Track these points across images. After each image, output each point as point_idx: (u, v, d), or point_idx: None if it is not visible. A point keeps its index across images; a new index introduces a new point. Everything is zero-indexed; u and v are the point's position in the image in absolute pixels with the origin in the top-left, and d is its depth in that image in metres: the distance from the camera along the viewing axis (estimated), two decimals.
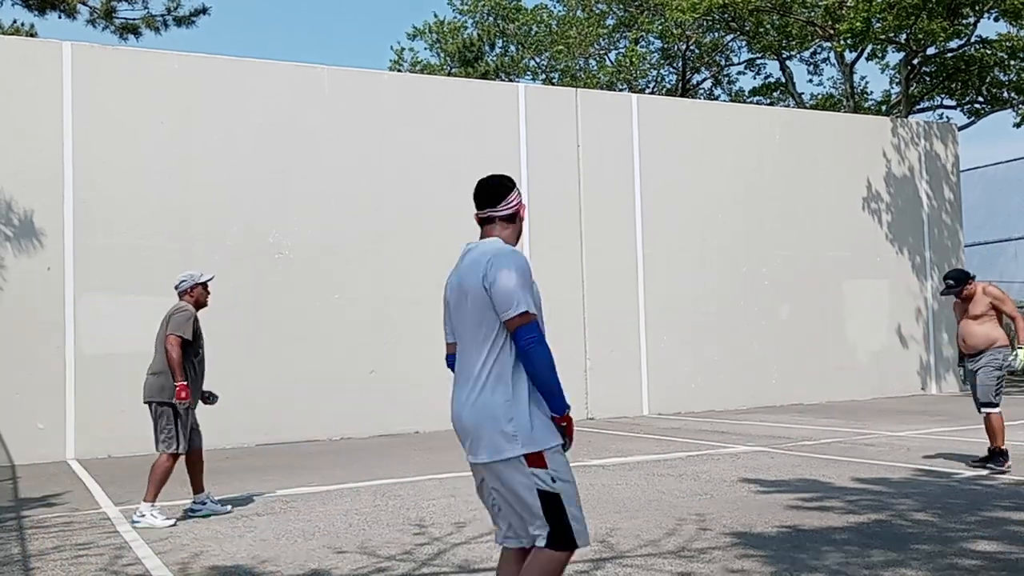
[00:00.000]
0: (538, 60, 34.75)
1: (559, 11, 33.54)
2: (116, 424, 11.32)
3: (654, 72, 33.54)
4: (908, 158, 18.55)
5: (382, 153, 13.80)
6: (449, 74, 32.44)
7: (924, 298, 18.36)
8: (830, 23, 23.83)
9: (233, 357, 12.34)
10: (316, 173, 13.33)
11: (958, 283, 8.59)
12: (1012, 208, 32.76)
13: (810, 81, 76.58)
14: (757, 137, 16.90)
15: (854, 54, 26.13)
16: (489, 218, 3.61)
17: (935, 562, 5.24)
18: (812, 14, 24.96)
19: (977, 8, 22.04)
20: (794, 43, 28.03)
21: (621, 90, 31.24)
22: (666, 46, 32.36)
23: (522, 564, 3.50)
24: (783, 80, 31.02)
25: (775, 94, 32.22)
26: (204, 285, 7.51)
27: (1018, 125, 26.23)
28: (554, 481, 3.42)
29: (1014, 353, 8.29)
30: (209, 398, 7.54)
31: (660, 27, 30.39)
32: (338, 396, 13.03)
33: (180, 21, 18.43)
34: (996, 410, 8.34)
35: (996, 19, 22.44)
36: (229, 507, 7.48)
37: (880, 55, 26.68)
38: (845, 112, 26.32)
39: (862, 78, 68.32)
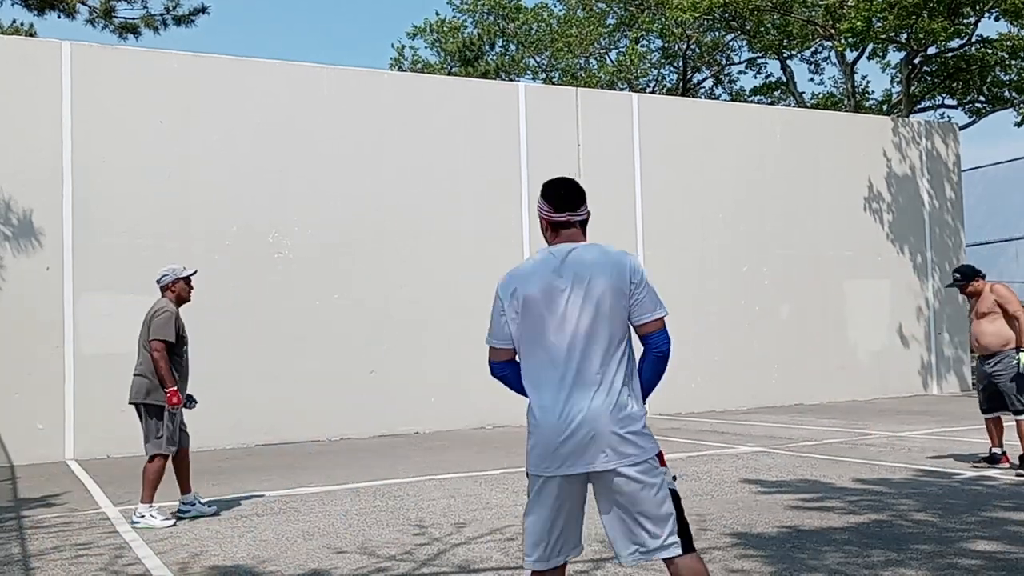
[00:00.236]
0: (538, 59, 34.75)
1: (559, 10, 33.54)
2: (115, 424, 11.30)
3: (655, 71, 33.56)
4: (909, 157, 18.53)
5: (382, 153, 13.79)
6: (449, 73, 32.43)
7: (925, 298, 18.34)
8: (831, 22, 23.82)
9: (233, 357, 12.33)
10: (316, 173, 13.32)
11: (964, 278, 8.57)
12: (1013, 208, 32.74)
13: (811, 80, 76.58)
14: (758, 137, 16.88)
15: (855, 53, 26.13)
16: (569, 222, 3.50)
17: (935, 562, 5.23)
18: (813, 13, 24.95)
19: (978, 8, 22.02)
20: (795, 42, 28.03)
21: (621, 89, 31.23)
22: (667, 45, 32.36)
23: None
24: (784, 79, 31.02)
25: (776, 93, 32.22)
26: (187, 280, 7.36)
27: (1019, 124, 26.22)
28: (673, 479, 3.39)
29: (1016, 357, 8.21)
30: (188, 403, 7.29)
31: (660, 26, 30.38)
32: (338, 396, 13.02)
33: (179, 21, 18.44)
34: None
35: (997, 19, 22.43)
36: (215, 508, 7.43)
37: (881, 54, 26.67)
38: (846, 111, 26.30)
39: (863, 77, 68.26)
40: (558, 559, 3.39)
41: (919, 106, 28.09)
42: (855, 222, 17.66)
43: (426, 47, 36.39)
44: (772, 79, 32.53)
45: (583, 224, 3.52)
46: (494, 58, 34.25)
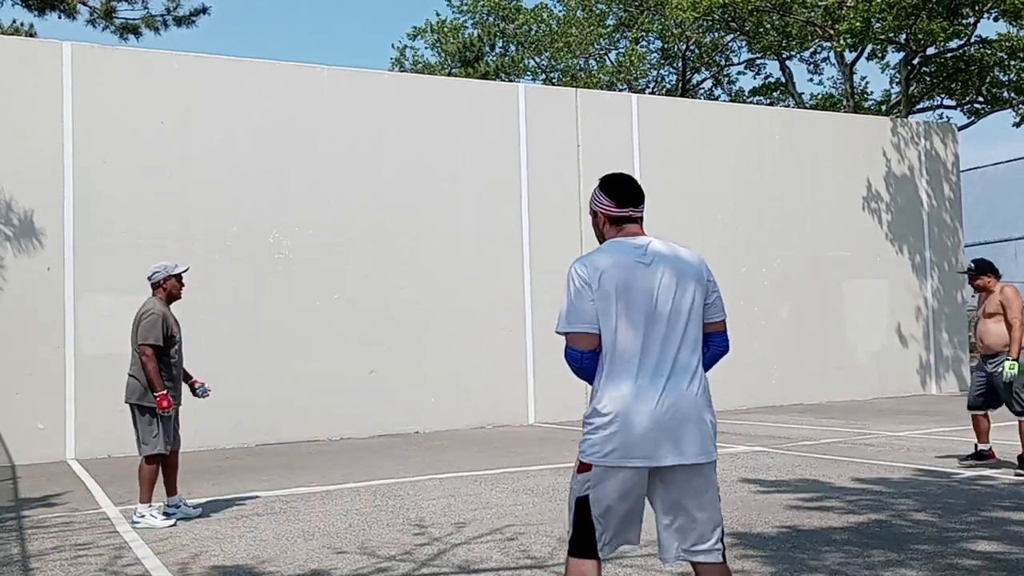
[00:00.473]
0: (538, 60, 34.77)
1: (559, 11, 33.55)
2: (116, 424, 11.28)
3: (654, 72, 33.58)
4: (908, 158, 18.55)
5: (382, 153, 13.80)
6: (449, 74, 32.44)
7: (924, 298, 18.36)
8: (830, 23, 23.85)
9: (233, 357, 12.34)
10: (316, 173, 13.33)
11: (977, 269, 8.52)
12: (1012, 208, 32.77)
13: (810, 81, 76.72)
14: (757, 137, 16.90)
15: (854, 54, 26.16)
16: (631, 217, 3.47)
17: (935, 562, 5.24)
18: (812, 14, 24.97)
19: (977, 8, 22.05)
20: (794, 43, 28.05)
21: (621, 90, 31.25)
22: (666, 46, 32.38)
23: None
24: (783, 80, 31.04)
25: (775, 94, 32.25)
26: (178, 277, 7.30)
27: (1018, 125, 26.25)
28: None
29: (1003, 365, 8.18)
30: (201, 393, 7.36)
31: (660, 27, 30.41)
32: (338, 396, 13.03)
33: (180, 21, 18.45)
34: None
35: (996, 19, 22.46)
36: (200, 510, 7.40)
37: (880, 55, 26.71)
38: (845, 112, 26.32)
39: (862, 78, 68.34)
40: (607, 550, 3.35)
41: (918, 106, 28.11)
42: (854, 222, 17.68)
43: (427, 47, 36.42)
44: (771, 80, 32.57)
45: (642, 220, 3.50)
46: (494, 59, 34.26)
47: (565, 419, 14.31)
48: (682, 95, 30.92)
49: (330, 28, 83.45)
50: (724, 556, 3.33)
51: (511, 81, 31.37)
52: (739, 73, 33.94)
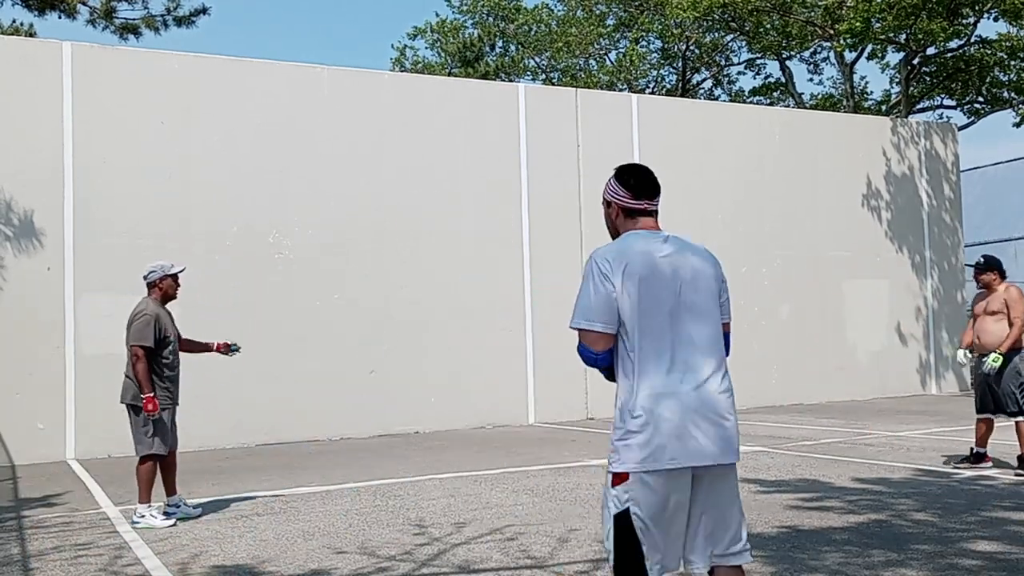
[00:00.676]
0: (538, 60, 34.76)
1: (560, 11, 33.54)
2: (116, 424, 11.24)
3: (654, 72, 33.57)
4: (908, 158, 18.55)
5: (382, 153, 13.80)
6: (449, 74, 32.45)
7: (924, 297, 18.35)
8: (830, 23, 23.84)
9: (233, 357, 12.31)
10: (316, 173, 13.33)
11: (985, 264, 8.45)
12: (1012, 208, 32.76)
13: (810, 81, 76.70)
14: (757, 137, 16.90)
15: (854, 54, 26.15)
16: (647, 210, 3.32)
17: (935, 562, 5.24)
18: (812, 14, 24.97)
19: (977, 8, 22.04)
20: (794, 43, 28.03)
21: (621, 90, 31.25)
22: (666, 46, 32.38)
23: None
24: (783, 80, 31.02)
25: (775, 94, 32.23)
26: (174, 277, 7.28)
27: (1018, 125, 26.23)
28: None
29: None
30: (231, 350, 7.61)
31: (660, 27, 30.40)
32: (338, 396, 13.03)
33: (180, 21, 18.45)
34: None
35: (996, 19, 22.44)
36: (200, 510, 7.41)
37: (880, 55, 26.69)
38: (845, 112, 26.32)
39: (862, 78, 68.32)
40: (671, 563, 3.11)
41: (918, 106, 28.10)
42: (854, 222, 17.67)
43: (427, 47, 36.42)
44: (771, 80, 32.55)
45: (657, 214, 3.36)
46: (494, 59, 34.27)
47: (565, 419, 14.32)
48: (682, 95, 30.91)
49: (330, 28, 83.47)
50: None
51: (511, 81, 31.38)
52: (739, 73, 33.94)
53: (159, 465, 7.17)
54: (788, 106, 29.48)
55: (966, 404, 14.62)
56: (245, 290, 12.68)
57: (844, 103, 28.66)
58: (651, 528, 3.00)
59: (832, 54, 28.34)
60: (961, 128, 25.15)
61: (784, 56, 29.72)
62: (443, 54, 34.47)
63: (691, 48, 31.73)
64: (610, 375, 3.22)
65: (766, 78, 32.79)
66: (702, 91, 34.04)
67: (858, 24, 20.45)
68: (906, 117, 23.88)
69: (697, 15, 24.14)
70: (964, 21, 22.74)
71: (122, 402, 7.10)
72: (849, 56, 26.51)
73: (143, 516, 6.93)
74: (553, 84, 33.01)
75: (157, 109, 12.48)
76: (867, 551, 5.54)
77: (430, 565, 5.53)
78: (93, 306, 11.80)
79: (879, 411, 14.73)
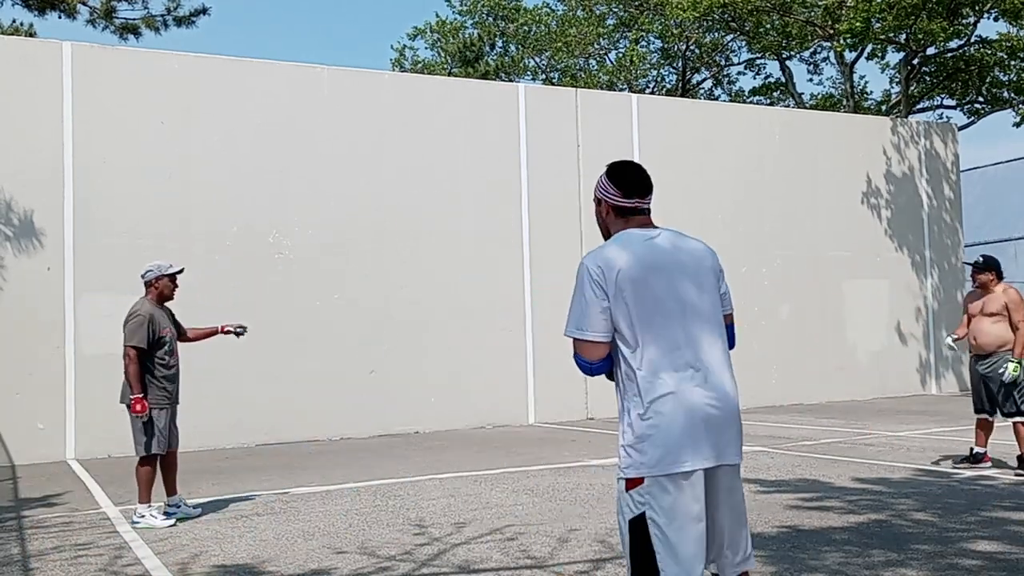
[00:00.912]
0: (538, 60, 34.76)
1: (561, 11, 33.53)
2: (116, 424, 11.25)
3: (654, 72, 33.56)
4: (908, 158, 18.54)
5: (382, 153, 13.80)
6: (449, 74, 32.45)
7: (924, 297, 18.36)
8: (830, 23, 23.84)
9: (233, 357, 12.33)
10: (316, 173, 13.33)
11: (984, 264, 8.41)
12: (1012, 208, 32.75)
13: (810, 81, 76.71)
14: (757, 137, 16.90)
15: (854, 54, 26.15)
16: (638, 208, 3.21)
17: (935, 562, 5.24)
18: (812, 14, 24.97)
19: (977, 8, 22.04)
20: (794, 43, 28.03)
21: (621, 90, 31.25)
22: (666, 46, 32.37)
23: None
24: (783, 80, 31.02)
25: (775, 94, 32.23)
26: (171, 277, 7.26)
27: (1018, 125, 26.22)
28: None
29: (1005, 365, 8.16)
30: (239, 332, 7.54)
31: (660, 27, 30.39)
32: (338, 396, 13.03)
33: (180, 21, 18.45)
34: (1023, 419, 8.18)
35: (996, 19, 22.44)
36: (199, 510, 7.41)
37: (880, 55, 26.69)
38: (845, 112, 26.32)
39: (862, 78, 68.36)
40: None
41: (918, 106, 28.10)
42: (854, 222, 17.67)
43: (426, 47, 36.42)
44: (771, 80, 32.55)
45: (650, 212, 3.26)
46: (494, 59, 34.27)
47: (565, 419, 14.32)
48: (682, 95, 30.91)
49: (330, 28, 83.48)
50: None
51: (511, 81, 31.38)
52: (739, 73, 33.92)
53: (160, 465, 7.18)
54: (788, 106, 29.48)
55: (966, 404, 14.59)
56: (245, 290, 12.68)
57: (844, 103, 28.66)
58: (667, 533, 2.92)
59: (832, 54, 28.34)
60: (961, 128, 25.15)
61: (784, 56, 29.72)
62: (443, 54, 34.47)
63: (691, 48, 31.73)
64: (611, 376, 3.17)
65: (766, 78, 32.79)
66: (702, 91, 34.04)
67: (858, 24, 20.45)
68: (906, 117, 23.88)
69: (697, 15, 24.14)
70: (964, 21, 22.74)
71: (122, 402, 7.10)
72: (849, 56, 26.52)
73: (143, 516, 6.93)
74: (553, 84, 33.01)
75: (157, 109, 12.48)
76: (867, 551, 5.54)
77: (430, 565, 5.53)
78: (93, 306, 11.80)
79: (879, 411, 14.73)
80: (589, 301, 3.04)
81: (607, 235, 3.28)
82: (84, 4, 17.99)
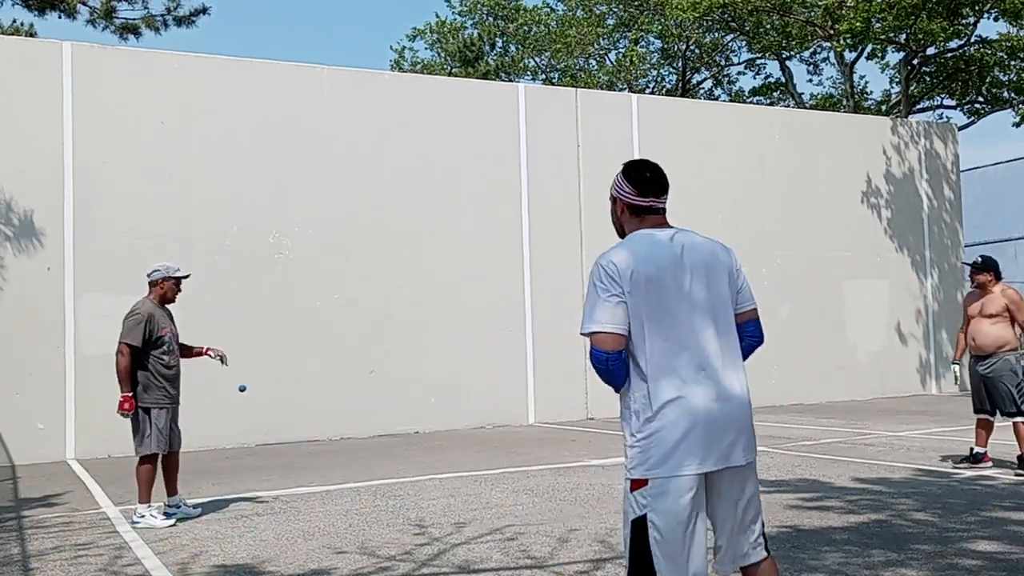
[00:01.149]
0: (538, 60, 34.76)
1: (561, 11, 33.52)
2: (116, 424, 11.21)
3: (654, 72, 33.55)
4: (908, 158, 18.55)
5: (382, 153, 13.80)
6: (449, 74, 32.45)
7: (924, 297, 18.36)
8: (830, 23, 23.84)
9: (233, 357, 12.28)
10: (316, 173, 13.33)
11: (983, 264, 8.40)
12: (1012, 208, 32.76)
13: (810, 81, 76.71)
14: (757, 137, 16.90)
15: (854, 54, 26.14)
16: (653, 207, 3.21)
17: (935, 562, 5.24)
18: (812, 14, 24.97)
19: (977, 8, 22.04)
20: (794, 43, 28.03)
21: (621, 90, 31.25)
22: (666, 46, 32.37)
23: None
24: (783, 80, 31.02)
25: (775, 94, 32.22)
26: (176, 281, 7.27)
27: (1018, 125, 26.23)
28: None
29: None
30: (223, 359, 7.55)
31: (660, 27, 30.39)
32: (338, 396, 13.03)
33: (180, 21, 18.44)
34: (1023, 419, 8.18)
35: (996, 19, 22.44)
36: (199, 510, 7.40)
37: (880, 55, 26.68)
38: (845, 112, 26.32)
39: (862, 78, 68.34)
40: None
41: (918, 106, 28.11)
42: (854, 222, 17.67)
43: (426, 48, 36.40)
44: (771, 80, 32.54)
45: (665, 211, 3.26)
46: (494, 59, 34.27)
47: (565, 419, 14.32)
48: (682, 95, 30.90)
49: (330, 28, 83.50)
50: (767, 547, 3.19)
51: (511, 81, 31.38)
52: (739, 73, 33.92)
53: (162, 465, 7.18)
54: (788, 106, 29.48)
55: (966, 404, 14.58)
56: (245, 290, 12.68)
57: (844, 103, 28.66)
58: (665, 536, 2.93)
59: (832, 54, 28.34)
60: (961, 128, 25.16)
61: (784, 56, 29.71)
62: (443, 54, 34.47)
63: (691, 48, 31.73)
64: (617, 388, 3.14)
65: (766, 78, 32.79)
66: (702, 91, 34.04)
67: (858, 24, 20.45)
68: (906, 117, 23.89)
69: (697, 15, 24.14)
70: (964, 21, 22.74)
71: None
72: (849, 56, 26.51)
73: (143, 516, 6.93)
74: (553, 84, 33.01)
75: (157, 109, 12.48)
76: (867, 551, 5.54)
77: (430, 565, 5.53)
78: (93, 306, 11.80)
79: (879, 411, 14.73)
80: (603, 294, 3.05)
81: (622, 234, 3.28)
82: (84, 4, 17.99)
